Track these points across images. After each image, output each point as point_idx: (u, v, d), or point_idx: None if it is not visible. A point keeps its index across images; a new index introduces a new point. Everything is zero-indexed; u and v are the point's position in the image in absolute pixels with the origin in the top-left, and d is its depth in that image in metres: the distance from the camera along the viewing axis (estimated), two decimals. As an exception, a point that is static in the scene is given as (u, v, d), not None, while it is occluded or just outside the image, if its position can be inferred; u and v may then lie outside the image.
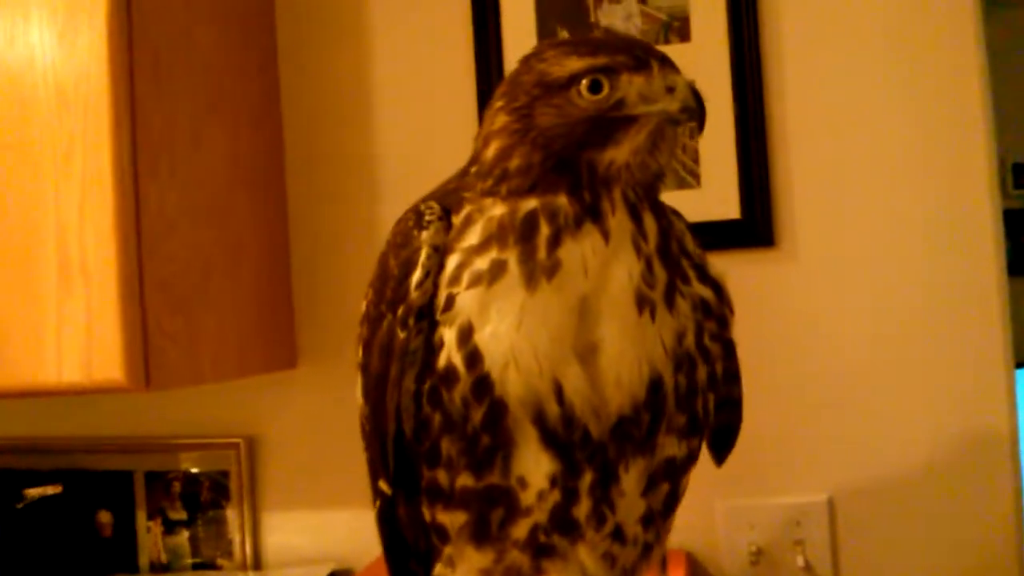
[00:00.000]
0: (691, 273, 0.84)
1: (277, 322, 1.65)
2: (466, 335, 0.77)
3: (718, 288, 0.87)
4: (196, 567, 1.70)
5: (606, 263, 0.76)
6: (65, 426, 1.74)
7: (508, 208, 0.78)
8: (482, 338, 0.76)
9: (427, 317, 0.79)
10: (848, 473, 1.54)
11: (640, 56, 0.78)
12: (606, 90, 0.77)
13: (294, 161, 1.71)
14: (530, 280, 0.75)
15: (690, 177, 1.54)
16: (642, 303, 0.77)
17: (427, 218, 0.81)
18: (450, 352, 0.78)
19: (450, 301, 0.78)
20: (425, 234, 0.80)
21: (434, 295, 0.79)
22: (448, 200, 0.83)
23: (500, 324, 0.76)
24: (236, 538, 1.69)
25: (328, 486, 1.67)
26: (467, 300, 0.77)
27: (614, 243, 0.77)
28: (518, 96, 0.80)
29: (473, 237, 0.79)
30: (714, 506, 1.55)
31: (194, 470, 1.70)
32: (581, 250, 0.76)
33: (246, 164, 1.58)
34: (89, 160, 1.26)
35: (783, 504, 1.54)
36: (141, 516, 1.72)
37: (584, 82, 0.77)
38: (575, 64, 0.78)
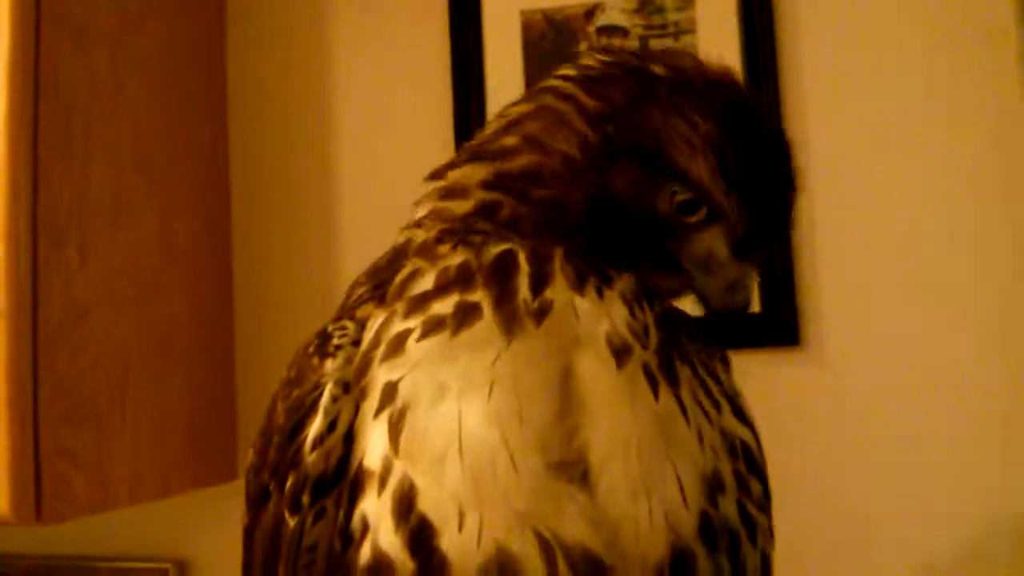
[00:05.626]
0: (723, 402, 0.60)
1: (216, 429, 1.41)
2: (407, 501, 0.50)
3: (756, 433, 0.62)
4: None
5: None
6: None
7: (470, 254, 0.54)
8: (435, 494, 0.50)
9: (336, 488, 0.53)
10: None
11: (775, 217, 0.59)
12: (696, 217, 0.57)
13: (241, 237, 1.51)
14: (509, 329, 0.52)
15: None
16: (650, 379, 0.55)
17: (336, 341, 0.56)
18: (378, 536, 0.50)
19: (390, 393, 0.52)
20: (330, 364, 0.55)
21: (345, 456, 0.53)
22: (383, 276, 0.58)
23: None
24: None
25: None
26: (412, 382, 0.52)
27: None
28: (611, 116, 0.56)
29: (423, 284, 0.55)
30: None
31: (111, 602, 1.47)
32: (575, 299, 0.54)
33: (183, 241, 1.36)
34: (-23, 236, 1.03)
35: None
36: (43, 660, 1.50)
37: (681, 197, 0.56)
38: (703, 170, 0.55)
